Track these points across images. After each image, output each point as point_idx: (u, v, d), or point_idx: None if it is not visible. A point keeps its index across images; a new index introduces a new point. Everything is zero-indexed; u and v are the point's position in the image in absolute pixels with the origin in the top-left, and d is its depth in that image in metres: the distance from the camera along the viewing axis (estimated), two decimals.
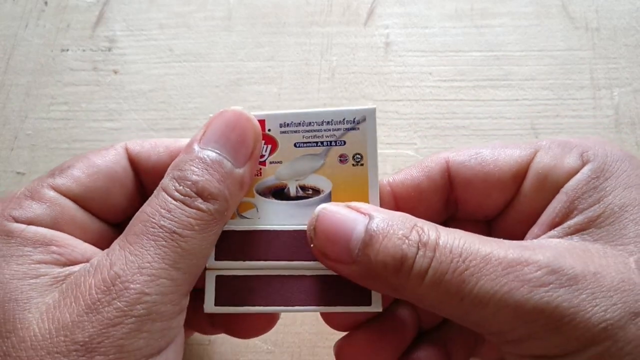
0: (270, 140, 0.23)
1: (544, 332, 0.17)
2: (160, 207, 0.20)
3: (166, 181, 0.20)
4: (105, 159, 0.23)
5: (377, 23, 0.36)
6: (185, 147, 0.21)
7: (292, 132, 0.22)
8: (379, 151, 0.26)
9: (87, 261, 0.20)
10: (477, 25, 0.35)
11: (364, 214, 0.20)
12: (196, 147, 0.21)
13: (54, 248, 0.20)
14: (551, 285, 0.17)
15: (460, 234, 0.19)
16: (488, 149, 0.23)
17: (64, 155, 0.33)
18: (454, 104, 0.33)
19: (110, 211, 0.23)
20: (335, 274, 0.21)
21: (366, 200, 0.22)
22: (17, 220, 0.20)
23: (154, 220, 0.19)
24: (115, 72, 0.35)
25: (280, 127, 0.22)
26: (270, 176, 0.22)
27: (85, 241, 0.21)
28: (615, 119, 0.32)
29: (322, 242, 0.20)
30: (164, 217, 0.19)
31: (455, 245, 0.19)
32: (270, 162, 0.23)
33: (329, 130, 0.22)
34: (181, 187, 0.20)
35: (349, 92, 0.34)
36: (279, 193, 0.22)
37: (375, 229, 0.19)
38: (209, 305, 0.22)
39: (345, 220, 0.20)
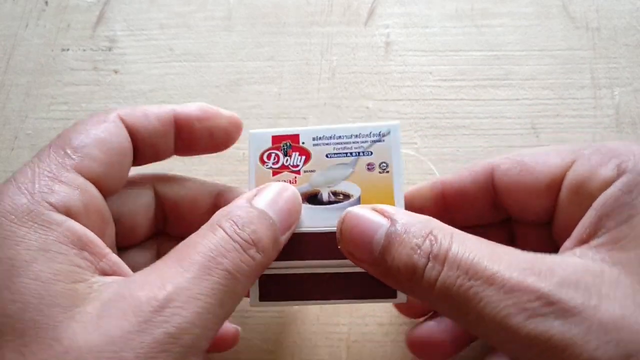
0: (304, 152, 0.25)
1: (538, 359, 0.17)
2: (221, 245, 0.20)
3: (224, 222, 0.21)
4: (111, 133, 0.22)
5: (378, 23, 0.36)
6: (240, 198, 0.22)
7: (323, 144, 0.25)
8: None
9: (113, 274, 0.20)
10: (477, 25, 0.35)
11: (387, 217, 0.21)
12: (254, 202, 0.22)
13: (86, 254, 0.20)
14: (547, 316, 0.17)
15: (472, 247, 0.19)
16: (530, 156, 0.23)
17: None
18: (455, 104, 0.33)
19: (118, 188, 0.23)
20: (364, 270, 0.23)
21: (392, 203, 0.24)
22: (55, 208, 0.20)
23: (212, 255, 0.20)
24: (116, 72, 0.35)
25: (313, 140, 0.25)
26: (305, 184, 0.25)
27: (105, 234, 0.21)
28: (616, 118, 0.32)
29: (348, 243, 0.22)
30: (223, 256, 0.20)
31: (463, 259, 0.19)
32: (304, 171, 0.25)
33: (357, 142, 0.25)
34: (242, 232, 0.21)
35: (349, 92, 0.34)
36: (313, 199, 0.25)
37: (394, 235, 0.20)
38: (254, 300, 0.24)
39: (369, 224, 0.21)
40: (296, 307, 0.28)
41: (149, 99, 0.34)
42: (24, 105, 0.35)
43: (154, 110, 0.24)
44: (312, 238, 0.24)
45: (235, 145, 0.26)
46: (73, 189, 0.20)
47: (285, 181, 0.25)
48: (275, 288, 0.24)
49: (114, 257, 0.20)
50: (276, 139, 0.25)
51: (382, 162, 0.25)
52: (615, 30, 0.35)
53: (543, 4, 0.36)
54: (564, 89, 0.33)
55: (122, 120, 0.23)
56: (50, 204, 0.20)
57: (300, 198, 0.24)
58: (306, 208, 0.24)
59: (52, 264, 0.19)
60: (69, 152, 0.21)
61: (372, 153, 0.25)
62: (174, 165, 0.32)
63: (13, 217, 0.19)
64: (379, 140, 0.25)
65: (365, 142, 0.25)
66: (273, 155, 0.25)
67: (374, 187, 0.24)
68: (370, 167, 0.25)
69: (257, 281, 0.24)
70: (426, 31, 0.35)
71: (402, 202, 0.24)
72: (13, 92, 0.35)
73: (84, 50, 0.36)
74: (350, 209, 0.22)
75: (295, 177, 0.25)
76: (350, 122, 0.33)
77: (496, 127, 0.32)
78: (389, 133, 0.25)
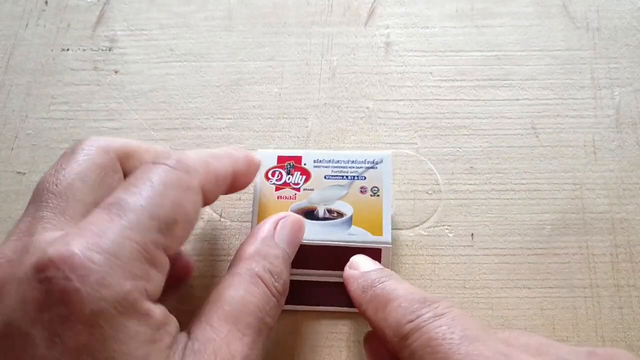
0: (305, 172, 0.28)
1: None
2: (264, 302, 0.22)
3: (263, 273, 0.23)
4: (196, 210, 0.22)
5: (378, 23, 0.36)
6: (264, 236, 0.25)
7: (323, 166, 0.29)
8: (379, 151, 0.31)
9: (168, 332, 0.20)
10: (477, 25, 0.35)
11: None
12: (274, 242, 0.25)
13: (168, 328, 0.20)
14: None
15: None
16: None
17: None
18: (455, 104, 0.33)
19: None
20: None
21: (380, 223, 0.27)
22: (150, 298, 0.19)
23: (261, 315, 0.22)
24: (116, 72, 0.35)
25: (314, 162, 0.29)
26: (303, 200, 0.28)
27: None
28: (616, 118, 0.32)
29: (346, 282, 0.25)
30: (268, 314, 0.22)
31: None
32: (304, 189, 0.28)
33: (353, 167, 0.28)
34: (278, 285, 0.23)
35: (349, 92, 0.34)
36: (310, 214, 0.28)
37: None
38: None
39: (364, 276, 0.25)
40: (296, 307, 0.28)
41: (149, 99, 0.34)
42: (24, 105, 0.35)
43: (221, 173, 0.24)
44: (308, 249, 0.27)
45: None
46: (160, 273, 0.20)
47: (286, 197, 0.28)
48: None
49: (175, 328, 0.21)
50: (281, 159, 0.29)
51: (373, 187, 0.28)
52: (616, 30, 0.35)
53: (543, 4, 0.36)
54: (564, 89, 0.33)
55: (202, 191, 0.23)
56: (147, 294, 0.19)
57: (303, 221, 0.27)
58: (304, 222, 0.27)
59: (159, 354, 0.19)
60: (162, 228, 0.20)
61: (365, 178, 0.28)
62: None
63: (121, 308, 0.18)
64: (373, 167, 0.28)
65: (360, 167, 0.28)
66: (277, 172, 0.28)
67: (365, 208, 0.27)
68: (363, 190, 0.28)
69: None
70: (426, 31, 0.35)
71: (389, 223, 0.27)
72: (13, 91, 0.35)
73: (84, 50, 0.36)
74: (356, 257, 0.26)
75: (295, 194, 0.28)
76: (350, 123, 0.33)
77: (496, 127, 0.32)
78: (381, 161, 0.28)
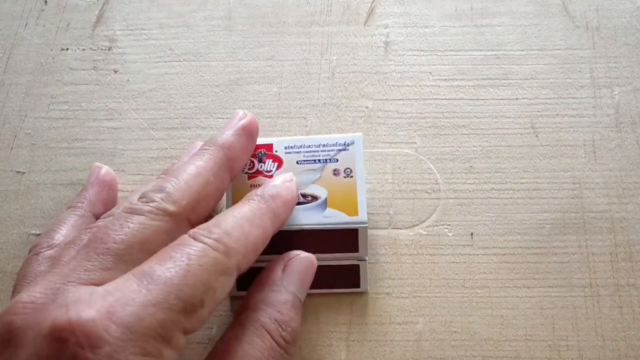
0: (277, 159, 0.28)
1: None
2: (269, 354, 0.22)
3: (269, 323, 0.22)
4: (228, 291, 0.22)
5: (377, 22, 0.36)
6: (271, 281, 0.24)
7: (294, 152, 0.28)
8: (379, 151, 0.32)
9: None
10: (477, 25, 0.35)
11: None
12: (283, 287, 0.24)
13: None
14: None
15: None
16: None
17: (64, 155, 0.33)
18: (454, 103, 0.33)
19: None
20: (333, 263, 0.27)
21: (355, 204, 0.27)
22: None
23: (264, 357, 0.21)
24: (115, 71, 0.35)
25: (285, 149, 0.28)
26: None
27: None
28: (616, 118, 0.32)
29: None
30: None
31: None
32: (277, 176, 0.27)
33: (325, 150, 0.28)
34: (286, 335, 0.22)
35: (349, 92, 0.34)
36: None
37: None
38: (233, 290, 0.27)
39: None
40: None
41: (149, 98, 0.34)
42: (23, 104, 0.35)
43: (260, 244, 0.24)
44: (284, 235, 0.26)
45: None
46: (177, 353, 0.19)
47: (259, 186, 0.27)
48: (251, 278, 0.26)
49: None
50: None
51: (346, 168, 0.28)
52: (615, 29, 0.35)
53: (543, 3, 0.36)
54: (563, 89, 0.33)
55: (238, 271, 0.22)
56: None
57: (314, 260, 0.26)
58: None
59: None
60: (188, 309, 0.20)
61: (337, 160, 0.28)
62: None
63: None
64: (344, 149, 0.28)
65: (332, 150, 0.28)
66: (249, 162, 0.28)
67: (339, 190, 0.27)
68: (336, 172, 0.28)
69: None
70: (426, 31, 0.35)
71: (364, 203, 0.27)
72: (12, 91, 0.35)
73: (84, 49, 0.36)
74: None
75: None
76: (350, 122, 0.33)
77: (496, 126, 0.32)
78: (353, 143, 0.28)
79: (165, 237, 0.22)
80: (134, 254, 0.21)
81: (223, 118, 0.34)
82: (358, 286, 0.28)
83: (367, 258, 0.28)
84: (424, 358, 0.27)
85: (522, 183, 0.31)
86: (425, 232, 0.30)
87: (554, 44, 0.34)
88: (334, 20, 0.36)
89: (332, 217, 0.27)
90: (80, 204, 0.29)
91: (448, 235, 0.30)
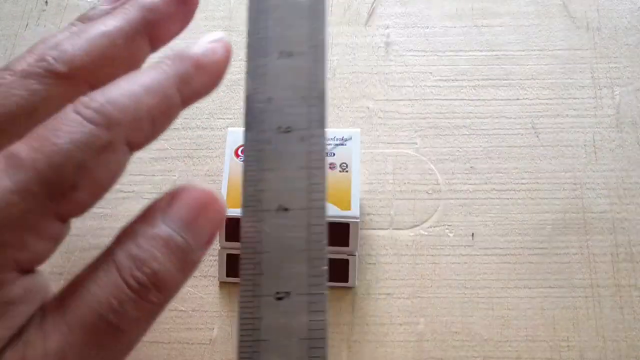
0: None
1: None
2: (111, 295, 0.17)
3: (123, 258, 0.18)
4: None
5: (378, 23, 0.36)
6: (147, 214, 0.19)
7: None
8: (380, 151, 0.32)
9: None
10: (477, 25, 0.35)
11: None
12: (159, 220, 0.18)
13: (21, 308, 0.18)
14: None
15: None
16: None
17: None
18: (455, 104, 0.33)
19: None
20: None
21: (349, 199, 0.27)
22: (19, 267, 0.18)
23: (101, 313, 0.17)
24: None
25: None
26: None
27: None
28: (617, 118, 0.32)
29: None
30: (116, 314, 0.17)
31: None
32: None
33: None
34: (140, 275, 0.17)
35: (349, 92, 0.34)
36: None
37: None
38: (222, 276, 0.28)
39: None
40: None
41: None
42: None
43: (159, 111, 0.19)
44: None
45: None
46: (50, 243, 0.18)
47: None
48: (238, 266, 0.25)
49: None
50: None
51: (342, 163, 0.28)
52: (616, 29, 0.35)
53: (543, 4, 0.36)
54: (564, 89, 0.33)
55: (129, 143, 0.19)
56: (16, 263, 0.18)
57: (223, 199, 0.21)
58: None
59: None
60: (56, 195, 0.17)
61: (334, 154, 0.28)
62: (175, 166, 0.32)
63: None
64: (342, 144, 0.28)
65: (330, 144, 0.28)
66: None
67: (334, 184, 0.27)
68: (331, 166, 0.28)
69: (224, 260, 0.27)
70: (426, 31, 0.35)
71: (358, 198, 0.27)
72: None
73: None
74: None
75: None
76: (351, 122, 0.33)
77: (496, 127, 0.32)
78: (350, 138, 0.28)
79: (57, 107, 0.18)
80: (20, 126, 0.18)
81: (224, 118, 0.34)
82: (347, 281, 0.28)
83: (357, 253, 0.28)
84: (425, 359, 0.27)
85: (522, 183, 0.31)
86: (426, 233, 0.30)
87: (555, 45, 0.34)
88: (335, 20, 0.36)
89: None
90: None
91: (449, 236, 0.30)
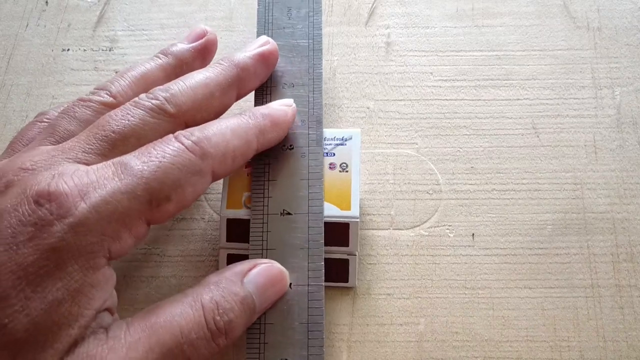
0: None
1: None
2: (193, 330, 0.21)
3: (208, 302, 0.22)
4: None
5: (378, 23, 0.36)
6: (233, 272, 0.23)
7: None
8: (380, 151, 0.32)
9: None
10: (478, 25, 0.35)
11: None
12: (242, 282, 0.23)
13: (101, 294, 0.22)
14: None
15: None
16: None
17: None
18: (455, 104, 0.33)
19: None
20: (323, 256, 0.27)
21: (349, 199, 0.27)
22: (110, 256, 0.21)
23: (181, 341, 0.20)
24: (116, 72, 0.35)
25: None
26: None
27: None
28: (617, 118, 0.32)
29: None
30: (191, 346, 0.21)
31: None
32: None
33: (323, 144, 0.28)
34: (220, 321, 0.21)
35: (350, 92, 0.34)
36: None
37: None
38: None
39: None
40: None
41: None
42: (24, 105, 0.35)
43: (240, 153, 0.25)
44: None
45: None
46: (134, 241, 0.22)
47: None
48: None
49: None
50: None
51: (342, 163, 0.28)
52: (617, 30, 0.35)
53: (544, 4, 0.36)
54: (564, 89, 0.33)
55: (213, 174, 0.24)
56: (109, 252, 0.21)
57: (288, 278, 0.25)
58: None
59: (78, 309, 0.21)
60: (153, 202, 0.22)
61: (334, 154, 0.28)
62: None
63: (76, 252, 0.21)
64: (342, 144, 0.28)
65: (330, 144, 0.28)
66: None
67: (334, 184, 0.28)
68: (332, 166, 0.28)
69: (225, 260, 0.27)
70: (427, 31, 0.35)
71: (358, 198, 0.27)
72: (14, 92, 0.35)
73: (85, 50, 0.36)
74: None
75: None
76: (351, 123, 0.33)
77: (497, 127, 0.32)
78: (350, 138, 0.29)
79: (160, 136, 0.23)
80: (128, 146, 0.23)
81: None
82: (346, 281, 0.28)
83: (357, 253, 0.28)
84: (425, 359, 0.27)
85: (523, 184, 0.31)
86: (426, 233, 0.30)
87: (555, 45, 0.34)
88: (335, 20, 0.36)
89: (324, 210, 0.27)
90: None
91: (449, 236, 0.30)
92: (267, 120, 0.26)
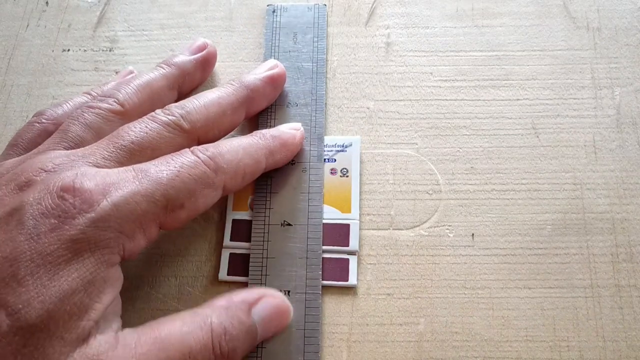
0: None
1: None
2: (200, 351, 0.22)
3: (217, 326, 0.22)
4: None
5: (378, 23, 0.36)
6: (241, 301, 0.24)
7: None
8: (380, 151, 0.32)
9: None
10: (478, 25, 0.35)
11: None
12: (249, 311, 0.24)
13: (110, 290, 0.23)
14: None
15: None
16: None
17: None
18: (455, 104, 0.33)
19: None
20: (324, 256, 0.28)
21: (349, 202, 0.29)
22: (123, 253, 0.23)
23: (187, 358, 0.21)
24: (117, 72, 0.35)
25: None
26: None
27: None
28: (617, 118, 0.32)
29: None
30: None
31: None
32: None
33: (324, 151, 0.30)
34: (224, 346, 0.22)
35: (350, 92, 0.34)
36: None
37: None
38: (223, 275, 0.28)
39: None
40: None
41: None
42: (25, 105, 0.35)
43: (250, 172, 0.27)
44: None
45: None
46: (146, 241, 0.24)
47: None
48: (240, 266, 0.28)
49: None
50: None
51: (343, 168, 0.30)
52: (616, 30, 0.35)
53: (544, 4, 0.36)
54: (564, 89, 0.33)
55: (224, 188, 0.25)
56: (123, 249, 0.23)
57: (291, 314, 0.26)
58: None
59: (90, 301, 0.22)
60: (168, 208, 0.23)
61: (335, 160, 0.30)
62: None
63: (94, 246, 0.22)
64: (342, 150, 0.30)
65: (331, 151, 0.30)
66: None
67: (335, 188, 0.29)
68: (333, 171, 0.30)
69: (227, 260, 0.28)
70: (427, 31, 0.35)
71: (358, 201, 0.29)
72: (14, 92, 0.35)
73: (85, 50, 0.36)
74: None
75: None
76: (351, 123, 0.33)
77: (497, 127, 0.32)
78: (351, 145, 0.30)
79: (174, 149, 0.25)
80: (144, 157, 0.24)
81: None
82: (347, 281, 0.28)
83: (357, 253, 0.28)
84: (425, 359, 0.27)
85: (523, 184, 0.31)
86: (426, 233, 0.30)
87: (555, 45, 0.34)
88: (335, 21, 0.36)
89: (326, 213, 0.28)
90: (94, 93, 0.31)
91: (449, 236, 0.30)
92: (276, 142, 0.27)
